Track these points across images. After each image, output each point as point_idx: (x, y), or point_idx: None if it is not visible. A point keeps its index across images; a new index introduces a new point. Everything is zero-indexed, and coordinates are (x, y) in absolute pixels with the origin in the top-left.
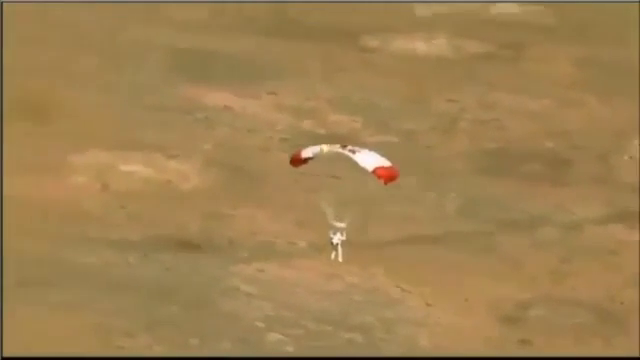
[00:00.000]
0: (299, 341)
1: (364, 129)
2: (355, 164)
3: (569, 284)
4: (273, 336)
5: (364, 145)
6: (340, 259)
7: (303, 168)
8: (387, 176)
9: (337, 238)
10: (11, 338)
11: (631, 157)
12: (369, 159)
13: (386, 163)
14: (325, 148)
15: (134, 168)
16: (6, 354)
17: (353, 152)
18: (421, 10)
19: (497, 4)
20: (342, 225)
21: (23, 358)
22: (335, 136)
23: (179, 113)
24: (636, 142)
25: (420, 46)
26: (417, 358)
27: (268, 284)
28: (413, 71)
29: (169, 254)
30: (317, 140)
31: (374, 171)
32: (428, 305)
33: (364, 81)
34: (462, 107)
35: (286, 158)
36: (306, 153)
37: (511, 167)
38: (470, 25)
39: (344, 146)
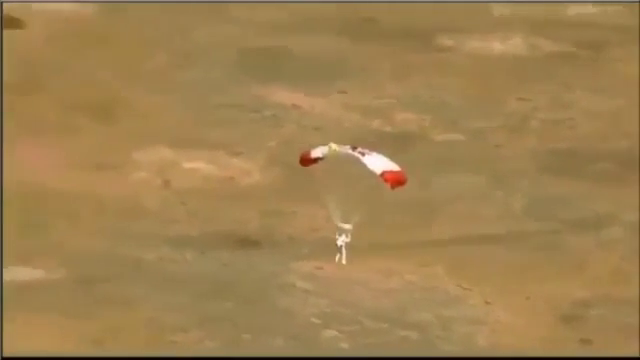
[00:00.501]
0: (354, 338)
1: (432, 127)
2: (364, 166)
3: (632, 284)
4: (328, 333)
5: (431, 143)
6: (344, 261)
7: (313, 167)
8: (394, 180)
9: (342, 240)
10: (65, 333)
11: None
12: (378, 162)
13: (395, 167)
14: (333, 147)
15: (196, 165)
16: (5, 354)
17: (362, 154)
18: (499, 9)
19: (575, 4)
20: (348, 227)
21: (23, 358)
22: (402, 134)
23: (246, 111)
24: None
25: (496, 45)
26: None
27: (326, 281)
28: (487, 70)
29: (227, 251)
30: (384, 138)
31: (382, 174)
32: (488, 303)
33: (436, 80)
34: (534, 106)
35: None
36: (316, 153)
37: (581, 167)
38: (548, 24)
39: (354, 147)
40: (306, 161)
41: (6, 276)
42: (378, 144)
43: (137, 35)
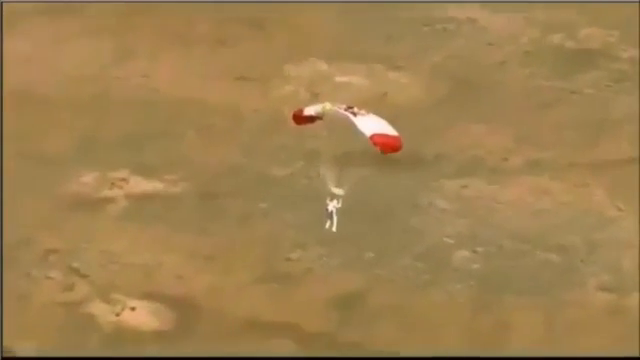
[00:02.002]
0: (489, 259)
1: (619, 43)
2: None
3: None
4: (460, 253)
5: (615, 60)
6: (334, 229)
7: (307, 127)
8: (385, 145)
9: (332, 205)
10: (176, 247)
11: None
12: (370, 124)
13: (389, 132)
14: (328, 106)
15: (350, 79)
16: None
17: (354, 114)
18: None
19: None
20: (340, 192)
21: (23, 358)
22: (584, 51)
23: (416, 24)
24: None
25: None
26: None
27: (468, 200)
28: None
29: (367, 168)
30: (563, 54)
31: (371, 137)
32: None
33: None
34: None
35: (525, 72)
36: (309, 111)
37: None
38: None
39: (349, 107)
40: (299, 119)
41: (124, 187)
42: (556, 60)
43: None
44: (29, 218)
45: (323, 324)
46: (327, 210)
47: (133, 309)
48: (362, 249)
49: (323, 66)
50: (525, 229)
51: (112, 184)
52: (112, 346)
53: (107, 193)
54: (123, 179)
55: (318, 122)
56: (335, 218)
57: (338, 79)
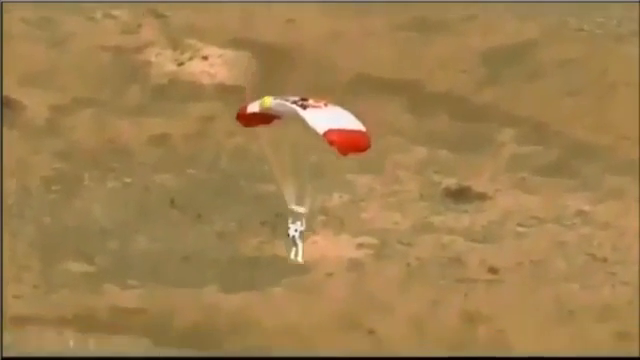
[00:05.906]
0: None
1: None
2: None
3: None
4: None
5: None
6: (300, 259)
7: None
8: (344, 142)
9: (294, 229)
10: None
11: None
12: (324, 118)
13: (351, 126)
14: (267, 102)
15: None
16: (6, 354)
17: (304, 107)
18: None
19: None
20: (302, 210)
21: (23, 358)
22: None
23: None
24: None
25: None
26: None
27: None
28: None
29: None
30: None
31: (325, 134)
32: None
33: None
34: None
35: None
36: (252, 107)
37: None
38: None
39: (302, 99)
40: (246, 119)
41: None
42: None
43: None
44: None
45: (456, 83)
46: (288, 236)
47: (205, 58)
48: None
49: None
50: None
51: None
52: (157, 99)
53: None
54: None
55: (276, 122)
56: (300, 244)
57: None
